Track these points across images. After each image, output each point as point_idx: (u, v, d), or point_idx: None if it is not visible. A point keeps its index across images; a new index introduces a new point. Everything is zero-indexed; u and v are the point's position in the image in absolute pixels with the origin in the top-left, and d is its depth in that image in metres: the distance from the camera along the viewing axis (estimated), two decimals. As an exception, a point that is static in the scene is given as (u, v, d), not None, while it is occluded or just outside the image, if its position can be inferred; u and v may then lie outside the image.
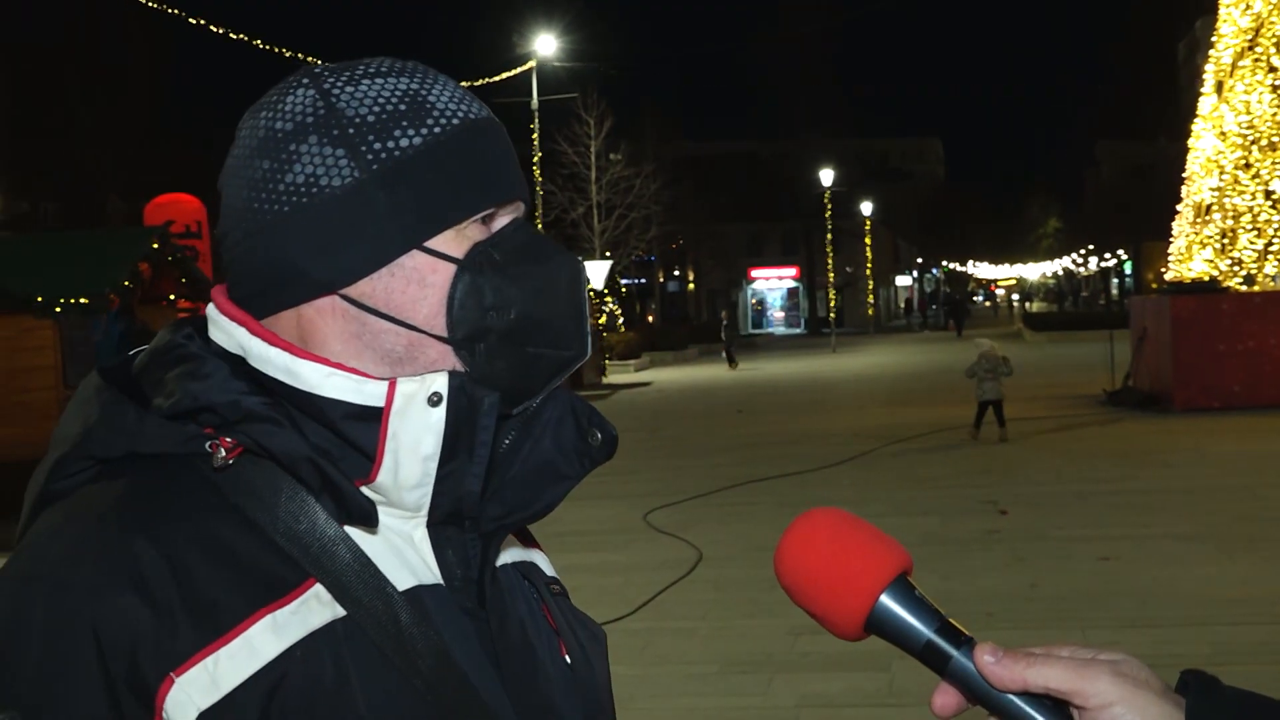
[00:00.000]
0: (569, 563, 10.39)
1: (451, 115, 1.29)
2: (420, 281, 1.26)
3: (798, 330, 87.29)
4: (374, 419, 1.23)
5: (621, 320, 52.56)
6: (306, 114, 1.27)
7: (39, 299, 16.13)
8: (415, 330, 1.26)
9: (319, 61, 1.40)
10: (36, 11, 49.26)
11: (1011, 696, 1.08)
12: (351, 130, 1.26)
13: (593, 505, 13.93)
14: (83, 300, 16.54)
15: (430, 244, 1.26)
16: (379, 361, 1.26)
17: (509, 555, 1.43)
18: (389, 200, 1.25)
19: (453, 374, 1.24)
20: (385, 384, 1.23)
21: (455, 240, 1.27)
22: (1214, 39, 24.50)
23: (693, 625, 9.39)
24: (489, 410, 1.25)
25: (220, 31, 29.95)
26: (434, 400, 1.23)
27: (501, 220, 1.31)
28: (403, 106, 1.27)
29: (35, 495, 1.27)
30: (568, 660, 1.40)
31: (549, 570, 1.52)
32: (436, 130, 1.27)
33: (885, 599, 1.11)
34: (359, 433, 1.23)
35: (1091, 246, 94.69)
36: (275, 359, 1.25)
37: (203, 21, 29.28)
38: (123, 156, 49.86)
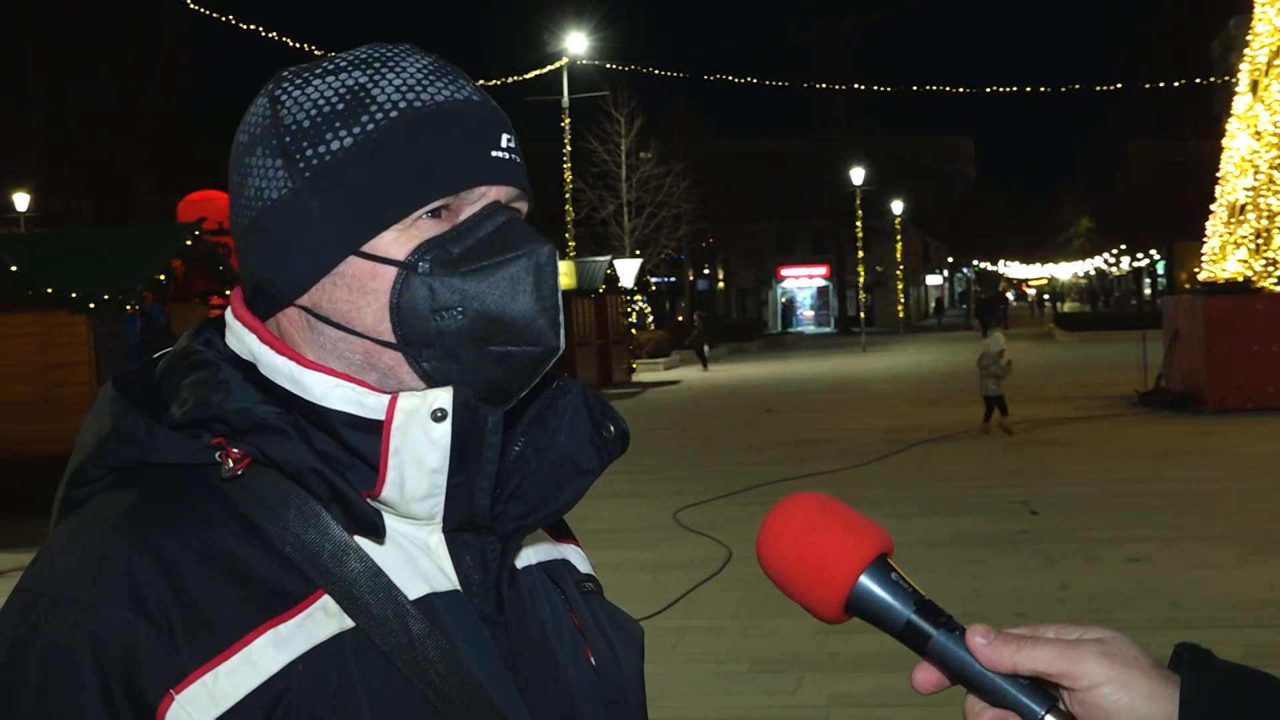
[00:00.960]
0: (598, 560, 10.37)
1: (391, 107, 1.24)
2: (361, 288, 1.23)
3: (827, 329, 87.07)
4: (376, 431, 1.21)
5: (651, 319, 52.55)
6: (257, 125, 1.27)
7: (73, 295, 16.22)
8: (364, 338, 1.24)
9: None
10: (69, 9, 49.54)
11: (992, 675, 1.08)
12: (288, 139, 1.24)
13: (622, 503, 13.94)
14: (117, 296, 16.63)
15: (369, 247, 1.22)
16: (349, 369, 1.24)
17: (535, 555, 1.40)
18: (321, 207, 1.22)
19: (458, 389, 1.22)
20: (386, 398, 1.22)
21: (401, 239, 1.23)
22: (1249, 38, 24.31)
23: (722, 624, 9.38)
24: (494, 428, 1.23)
25: (251, 28, 30.08)
26: (438, 416, 1.20)
27: (468, 210, 1.26)
28: (340, 106, 1.24)
29: (58, 502, 1.29)
30: (593, 662, 1.37)
31: (583, 566, 1.50)
32: (369, 127, 1.23)
33: (864, 580, 1.12)
34: (363, 444, 1.22)
35: (1123, 246, 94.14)
36: (282, 368, 1.24)
37: (233, 19, 29.41)
38: (153, 153, 50.12)
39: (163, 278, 17.67)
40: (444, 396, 1.21)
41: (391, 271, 1.22)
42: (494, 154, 1.27)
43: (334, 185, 1.22)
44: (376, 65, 1.26)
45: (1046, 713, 1.07)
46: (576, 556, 1.50)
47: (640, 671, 1.47)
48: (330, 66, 1.28)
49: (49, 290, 16.04)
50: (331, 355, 1.25)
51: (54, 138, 49.10)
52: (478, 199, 1.26)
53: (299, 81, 1.27)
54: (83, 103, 50.53)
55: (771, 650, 8.56)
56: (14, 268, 15.44)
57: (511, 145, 1.29)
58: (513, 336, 1.23)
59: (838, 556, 1.13)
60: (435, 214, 1.24)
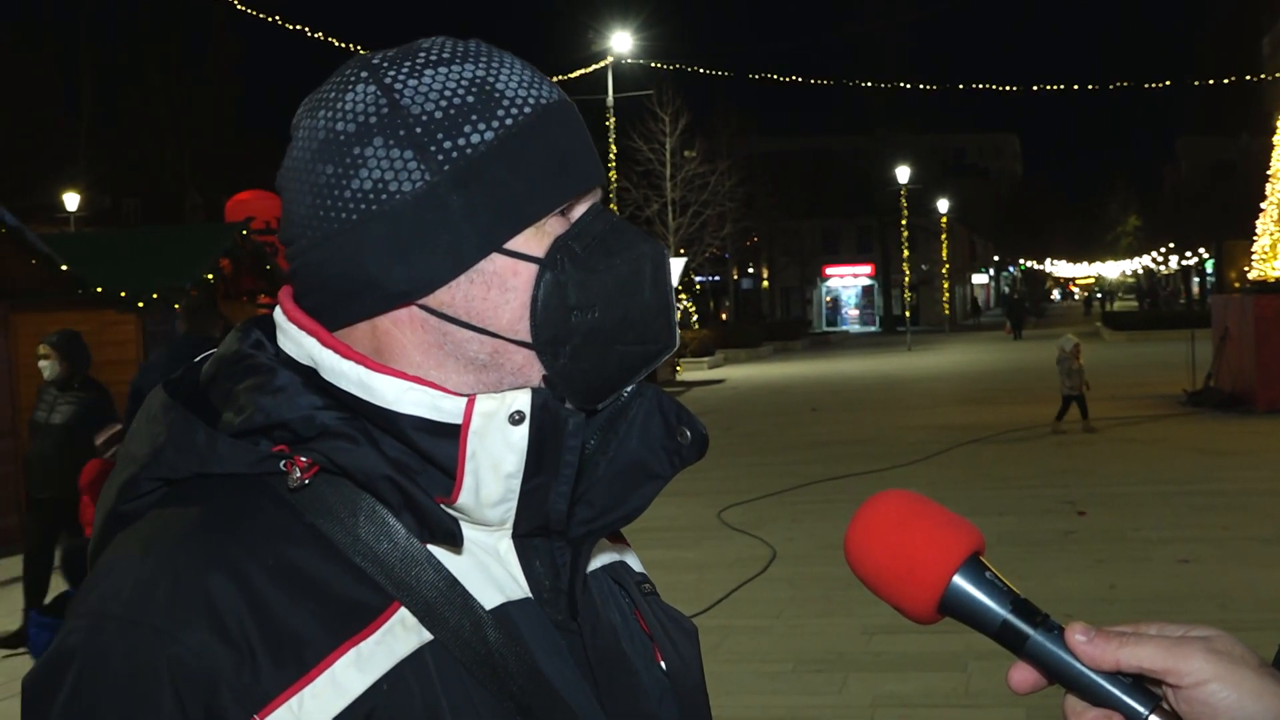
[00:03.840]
0: (643, 559, 10.39)
1: (523, 103, 1.21)
2: (502, 286, 1.20)
3: (872, 328, 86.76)
4: (452, 435, 1.17)
5: (696, 317, 52.50)
6: (369, 113, 1.19)
7: (122, 294, 16.37)
8: (499, 338, 1.20)
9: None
10: (118, 9, 50.03)
11: (1094, 675, 1.06)
12: (419, 129, 1.18)
13: (667, 502, 13.94)
14: (165, 295, 16.79)
15: (510, 245, 1.19)
16: (462, 370, 1.21)
17: (599, 559, 1.37)
18: (464, 202, 1.18)
19: (536, 391, 1.18)
20: (463, 401, 1.17)
21: (535, 238, 1.20)
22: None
23: (767, 623, 9.37)
24: (574, 430, 1.19)
25: (297, 28, 30.26)
26: (516, 419, 1.17)
27: (579, 209, 1.25)
28: (470, 98, 1.20)
29: (105, 515, 1.22)
30: (663, 666, 1.34)
31: (638, 567, 1.48)
32: (508, 122, 1.20)
33: (958, 580, 1.10)
34: (438, 449, 1.17)
35: (1172, 244, 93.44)
36: (349, 372, 1.18)
37: (279, 19, 29.58)
38: (201, 153, 50.54)
39: (210, 277, 17.83)
40: (522, 398, 1.17)
41: (533, 269, 1.20)
42: (591, 154, 1.27)
43: (475, 180, 1.18)
44: (485, 59, 1.24)
45: (1151, 712, 1.05)
46: (632, 559, 1.48)
47: (701, 669, 1.44)
48: (434, 58, 1.22)
49: (98, 289, 16.19)
50: (449, 355, 1.20)
51: (104, 138, 49.60)
52: (588, 198, 1.26)
53: (407, 69, 1.21)
54: (132, 103, 51.02)
55: (816, 650, 8.54)
56: (64, 266, 15.59)
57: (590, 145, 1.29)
58: (638, 334, 1.23)
59: (930, 555, 1.11)
60: (562, 212, 1.23)
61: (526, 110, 1.21)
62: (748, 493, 15.16)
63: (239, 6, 28.44)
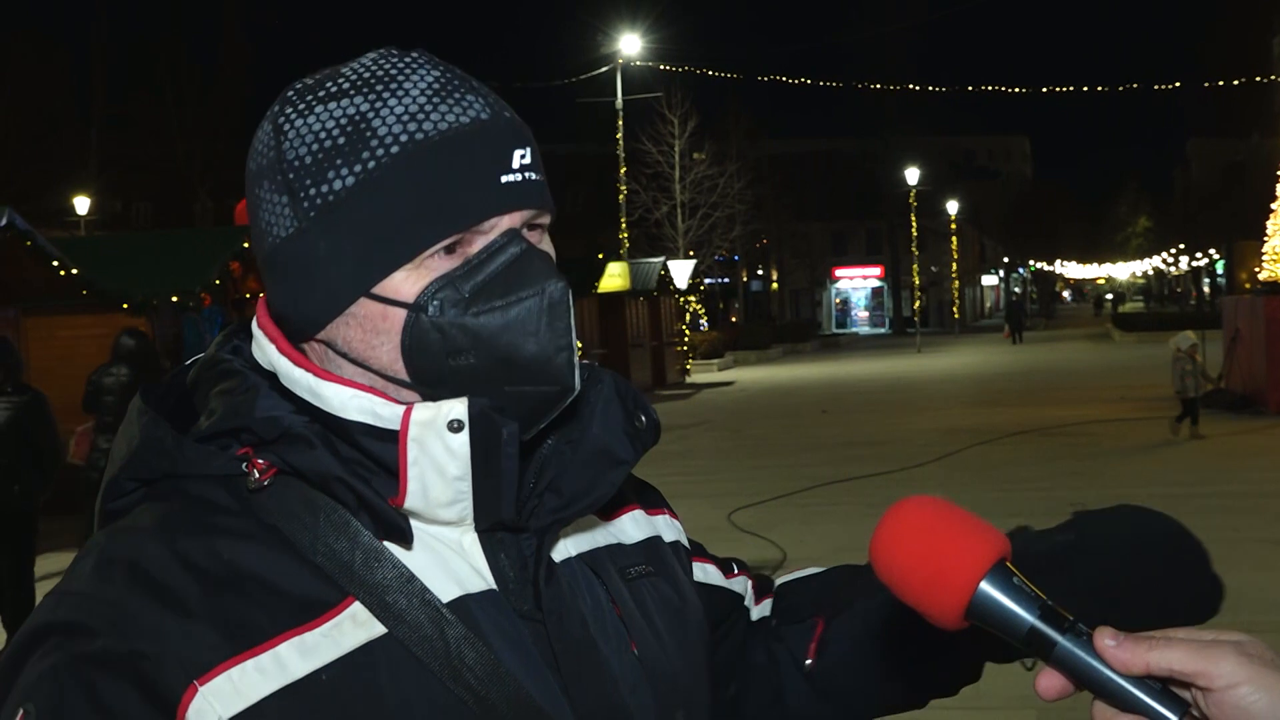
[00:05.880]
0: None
1: (393, 142, 1.20)
2: (374, 329, 1.22)
3: (882, 330, 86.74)
4: (394, 440, 1.20)
5: (705, 320, 52.51)
6: (263, 155, 1.25)
7: (132, 298, 16.40)
8: (380, 375, 1.23)
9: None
10: (129, 12, 50.20)
11: (1122, 681, 1.05)
12: (291, 175, 1.22)
13: (676, 504, 13.69)
14: (174, 298, 16.82)
15: (379, 288, 1.20)
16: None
17: (574, 546, 1.37)
18: (329, 248, 1.20)
19: (471, 400, 1.20)
20: (401, 409, 1.20)
21: (413, 278, 1.21)
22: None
23: (776, 625, 9.35)
24: (509, 439, 1.20)
25: (308, 33, 30.30)
26: (455, 426, 1.19)
27: (480, 241, 1.22)
28: (341, 140, 1.20)
29: (96, 514, 1.29)
30: (636, 653, 1.34)
31: (669, 535, 1.51)
32: (370, 165, 1.19)
33: (985, 586, 1.09)
34: (384, 452, 1.21)
35: (1182, 246, 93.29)
36: (300, 379, 1.24)
37: (289, 22, 29.64)
38: (211, 156, 50.64)
39: (219, 281, 17.86)
40: (459, 408, 1.19)
41: (401, 314, 1.21)
42: (504, 179, 1.23)
43: (339, 226, 1.20)
44: (379, 88, 1.22)
45: (1180, 717, 1.04)
46: (634, 527, 1.49)
47: (700, 649, 1.45)
48: (333, 89, 1.23)
49: (109, 292, 16.22)
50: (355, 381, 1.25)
51: (114, 142, 49.69)
52: (490, 229, 1.23)
53: (302, 107, 1.24)
54: (142, 107, 51.12)
55: (826, 652, 8.52)
56: (75, 270, 15.62)
57: (526, 162, 1.25)
58: (528, 376, 1.21)
59: (957, 561, 1.10)
60: (448, 250, 1.21)
61: (394, 150, 1.20)
62: (758, 495, 15.14)
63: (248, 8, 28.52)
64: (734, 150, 55.24)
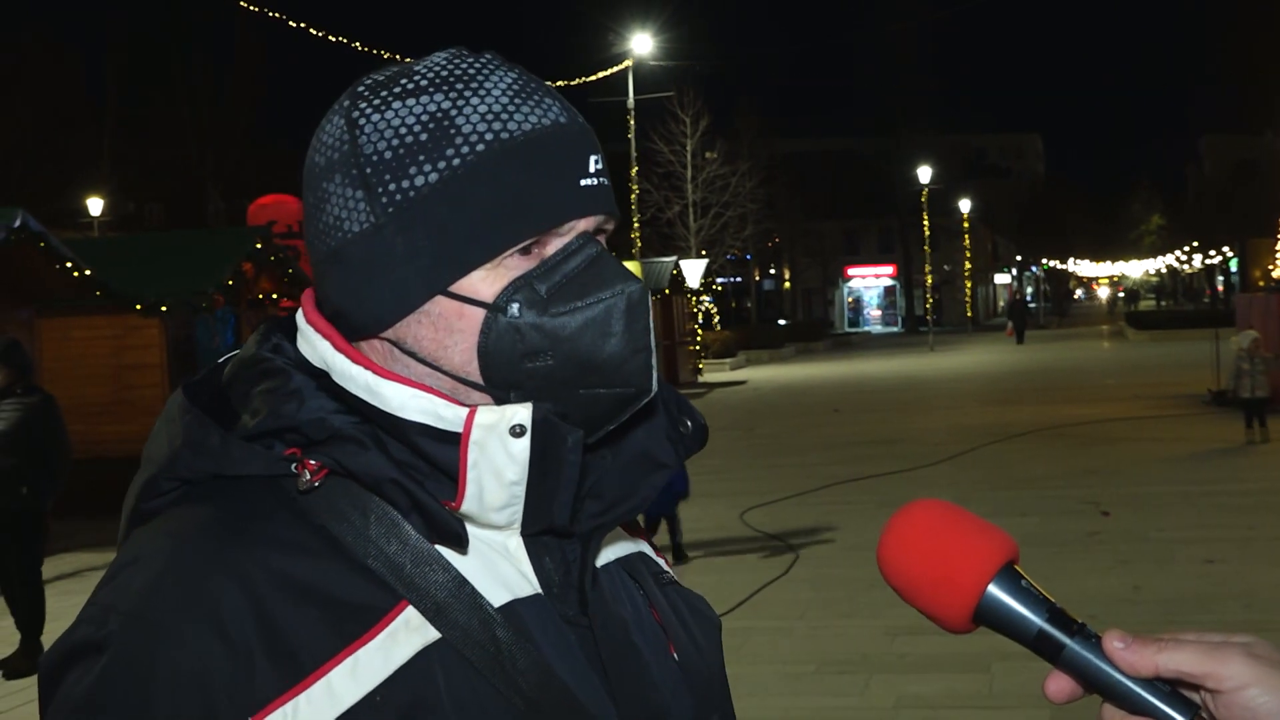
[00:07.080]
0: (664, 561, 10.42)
1: (478, 140, 1.19)
2: (448, 328, 1.20)
3: (895, 329, 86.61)
4: (455, 442, 1.18)
5: (717, 319, 52.48)
6: (334, 149, 1.23)
7: (145, 299, 16.43)
8: (451, 376, 1.21)
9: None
10: (142, 11, 50.31)
11: (1131, 683, 1.05)
12: (369, 170, 1.20)
13: (689, 504, 13.92)
14: (188, 299, 16.84)
15: (457, 286, 1.19)
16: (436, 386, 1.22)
17: (613, 552, 1.37)
18: (406, 245, 1.19)
19: (537, 405, 1.19)
20: (464, 411, 1.18)
21: (490, 277, 1.19)
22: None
23: (789, 624, 9.36)
24: (574, 447, 1.19)
25: (320, 34, 30.34)
26: (516, 431, 1.17)
27: (556, 243, 1.22)
28: (424, 136, 1.19)
29: (128, 514, 1.26)
30: (676, 657, 1.34)
31: (656, 558, 1.48)
32: (455, 162, 1.18)
33: (993, 589, 1.09)
34: (441, 454, 1.19)
35: (1195, 243, 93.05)
36: (358, 377, 1.21)
37: (303, 24, 29.67)
38: (224, 157, 50.72)
39: (231, 282, 17.89)
40: (523, 413, 1.18)
41: (480, 313, 1.19)
42: (583, 183, 1.23)
43: (418, 223, 1.19)
44: (459, 86, 1.22)
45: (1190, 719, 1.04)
46: (647, 549, 1.48)
47: (721, 660, 1.45)
48: (410, 86, 1.22)
49: (122, 293, 16.25)
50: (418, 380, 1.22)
51: (127, 143, 49.79)
52: (568, 231, 1.22)
53: (377, 102, 1.22)
54: (155, 108, 51.22)
55: (839, 651, 8.53)
56: (88, 271, 15.66)
57: (599, 167, 1.26)
58: (604, 379, 1.20)
59: (965, 564, 1.10)
60: (525, 250, 1.20)
61: (479, 148, 1.19)
62: (770, 494, 15.15)
63: (260, 9, 28.54)
64: (746, 149, 55.20)
